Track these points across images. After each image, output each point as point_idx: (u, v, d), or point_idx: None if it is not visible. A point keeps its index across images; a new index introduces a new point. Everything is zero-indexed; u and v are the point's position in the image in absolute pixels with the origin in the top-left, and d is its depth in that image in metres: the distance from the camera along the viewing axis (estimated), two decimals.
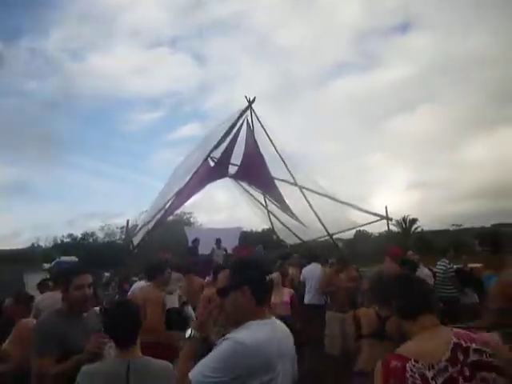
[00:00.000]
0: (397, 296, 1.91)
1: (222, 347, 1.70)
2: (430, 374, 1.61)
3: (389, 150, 64.95)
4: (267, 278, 1.96)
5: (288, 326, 2.05)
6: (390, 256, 6.07)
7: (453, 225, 37.74)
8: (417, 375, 1.61)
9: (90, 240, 34.60)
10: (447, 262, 7.10)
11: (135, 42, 57.38)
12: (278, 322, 1.98)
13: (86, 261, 22.27)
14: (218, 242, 12.67)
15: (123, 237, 16.58)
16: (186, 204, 14.64)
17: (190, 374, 1.69)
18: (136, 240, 12.62)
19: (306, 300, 7.47)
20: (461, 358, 1.63)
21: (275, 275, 5.78)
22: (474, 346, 1.65)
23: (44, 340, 2.67)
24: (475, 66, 52.09)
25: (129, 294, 5.55)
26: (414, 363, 1.63)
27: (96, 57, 56.92)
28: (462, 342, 1.66)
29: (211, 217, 51.24)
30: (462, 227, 36.59)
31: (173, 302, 4.99)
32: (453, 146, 67.80)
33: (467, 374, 1.62)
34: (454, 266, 7.20)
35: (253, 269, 1.95)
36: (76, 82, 58.84)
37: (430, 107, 59.18)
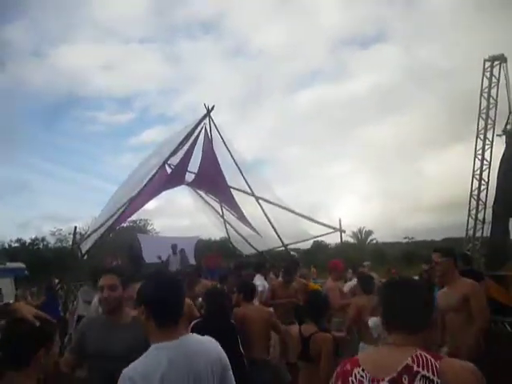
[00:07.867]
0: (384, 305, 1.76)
1: None
2: None
3: (354, 158, 65.41)
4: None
5: None
6: (332, 272, 6.20)
7: (405, 237, 39.05)
8: (356, 383, 1.61)
9: (41, 245, 32.99)
10: None
11: (105, 38, 55.66)
12: (192, 338, 1.87)
13: (34, 267, 21.25)
14: (174, 248, 12.41)
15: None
16: (141, 211, 14.32)
17: None
18: (84, 246, 12.12)
19: None
20: (405, 382, 1.52)
21: None
22: (424, 372, 1.50)
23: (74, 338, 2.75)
24: (440, 78, 53.63)
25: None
26: (359, 370, 1.62)
27: (59, 50, 54.61)
28: (415, 366, 1.52)
29: (170, 224, 50.28)
30: (413, 240, 37.91)
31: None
32: (413, 158, 69.54)
33: None
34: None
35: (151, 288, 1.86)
36: (35, 76, 56.24)
37: (396, 118, 60.74)
